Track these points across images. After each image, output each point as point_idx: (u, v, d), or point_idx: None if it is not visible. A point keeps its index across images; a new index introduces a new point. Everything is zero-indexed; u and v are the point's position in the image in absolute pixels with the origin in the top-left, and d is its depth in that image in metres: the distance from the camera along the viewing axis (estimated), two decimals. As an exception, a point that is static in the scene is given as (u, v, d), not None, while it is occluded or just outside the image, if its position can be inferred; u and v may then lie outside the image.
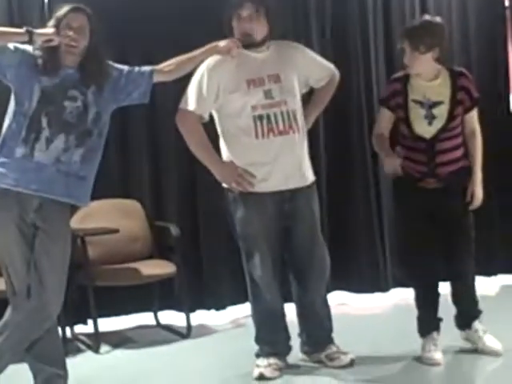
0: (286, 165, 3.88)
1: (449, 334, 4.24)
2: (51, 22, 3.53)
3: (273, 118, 3.85)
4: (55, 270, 3.48)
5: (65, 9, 3.53)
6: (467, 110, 4.09)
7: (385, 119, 4.16)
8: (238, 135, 3.89)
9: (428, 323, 4.20)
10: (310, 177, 4.03)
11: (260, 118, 3.84)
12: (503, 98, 6.00)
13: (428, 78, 4.04)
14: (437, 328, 4.18)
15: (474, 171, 4.12)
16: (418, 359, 4.14)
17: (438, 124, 4.01)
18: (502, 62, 5.99)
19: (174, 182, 5.38)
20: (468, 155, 4.14)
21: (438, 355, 4.10)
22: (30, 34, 3.43)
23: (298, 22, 5.55)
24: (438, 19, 4.13)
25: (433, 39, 3.95)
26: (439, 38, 3.99)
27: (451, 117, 4.01)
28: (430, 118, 4.00)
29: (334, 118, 5.53)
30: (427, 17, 4.22)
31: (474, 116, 4.14)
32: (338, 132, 5.68)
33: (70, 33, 3.51)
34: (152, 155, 5.35)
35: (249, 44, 3.91)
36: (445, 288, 4.20)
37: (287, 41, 4.19)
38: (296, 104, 3.95)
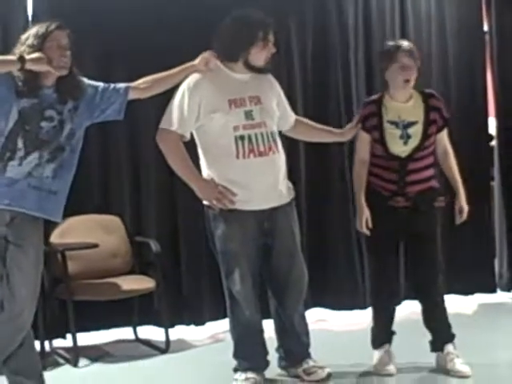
0: (266, 185, 3.92)
1: (424, 355, 4.30)
2: (30, 40, 3.46)
3: (254, 139, 3.88)
4: (27, 283, 3.47)
5: (50, 26, 3.48)
6: (439, 130, 4.24)
7: (363, 142, 4.26)
8: (219, 154, 3.91)
9: (381, 337, 4.30)
10: (289, 195, 4.08)
11: (241, 138, 3.87)
12: (482, 121, 6.09)
13: (402, 100, 4.20)
14: (389, 340, 4.28)
15: (457, 188, 4.26)
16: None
17: (413, 143, 4.15)
18: (480, 87, 6.06)
19: (154, 197, 5.38)
20: (437, 176, 4.28)
21: (391, 367, 4.20)
22: (23, 61, 3.36)
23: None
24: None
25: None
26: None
27: (426, 136, 4.17)
28: (406, 138, 4.14)
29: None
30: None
31: (444, 135, 4.31)
32: (317, 152, 5.72)
33: (67, 53, 3.50)
34: (132, 171, 5.36)
35: (262, 69, 3.98)
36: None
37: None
38: (274, 126, 4.01)
